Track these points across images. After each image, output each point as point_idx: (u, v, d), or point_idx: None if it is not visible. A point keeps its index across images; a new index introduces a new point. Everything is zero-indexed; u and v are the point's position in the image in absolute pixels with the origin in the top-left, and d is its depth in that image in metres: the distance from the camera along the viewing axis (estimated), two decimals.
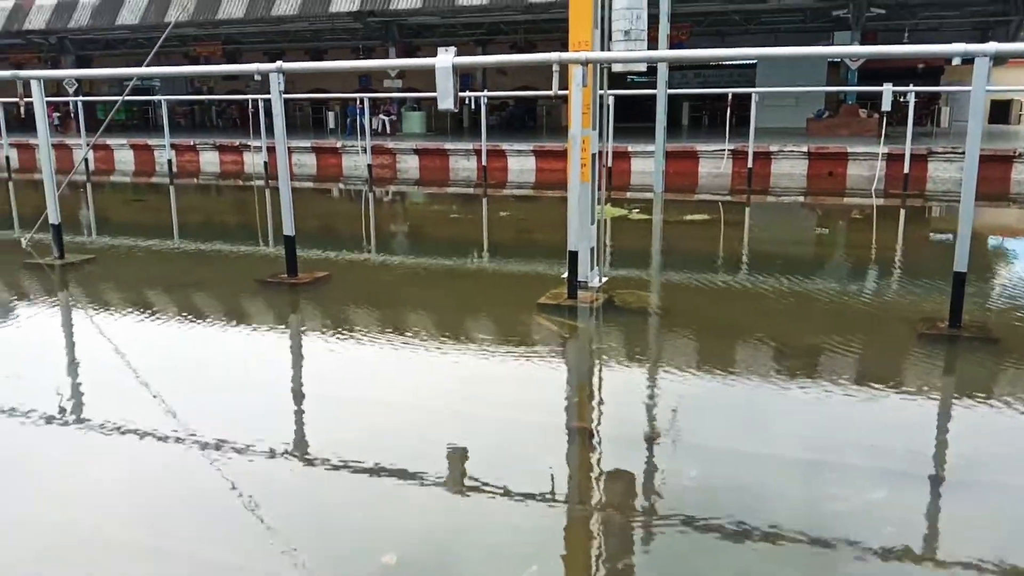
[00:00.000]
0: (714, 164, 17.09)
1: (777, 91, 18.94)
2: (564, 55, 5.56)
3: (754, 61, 26.10)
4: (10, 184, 17.90)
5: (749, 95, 15.78)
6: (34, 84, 7.42)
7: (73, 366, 4.96)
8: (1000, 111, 34.06)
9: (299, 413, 4.13)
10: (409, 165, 19.62)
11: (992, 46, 4.96)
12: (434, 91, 5.73)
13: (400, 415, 4.02)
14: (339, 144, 20.33)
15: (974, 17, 23.24)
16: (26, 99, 7.53)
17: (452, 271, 8.07)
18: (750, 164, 15.32)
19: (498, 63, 6.31)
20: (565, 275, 6.14)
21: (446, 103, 5.63)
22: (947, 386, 4.56)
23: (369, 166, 17.65)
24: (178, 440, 3.63)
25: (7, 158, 20.53)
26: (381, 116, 25.03)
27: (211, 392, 4.41)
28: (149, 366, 4.82)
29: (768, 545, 2.74)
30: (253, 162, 19.82)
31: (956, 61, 21.51)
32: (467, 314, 6.17)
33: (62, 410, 4.05)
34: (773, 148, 16.97)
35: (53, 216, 7.58)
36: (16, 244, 8.64)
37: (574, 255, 5.95)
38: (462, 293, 7.02)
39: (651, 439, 3.73)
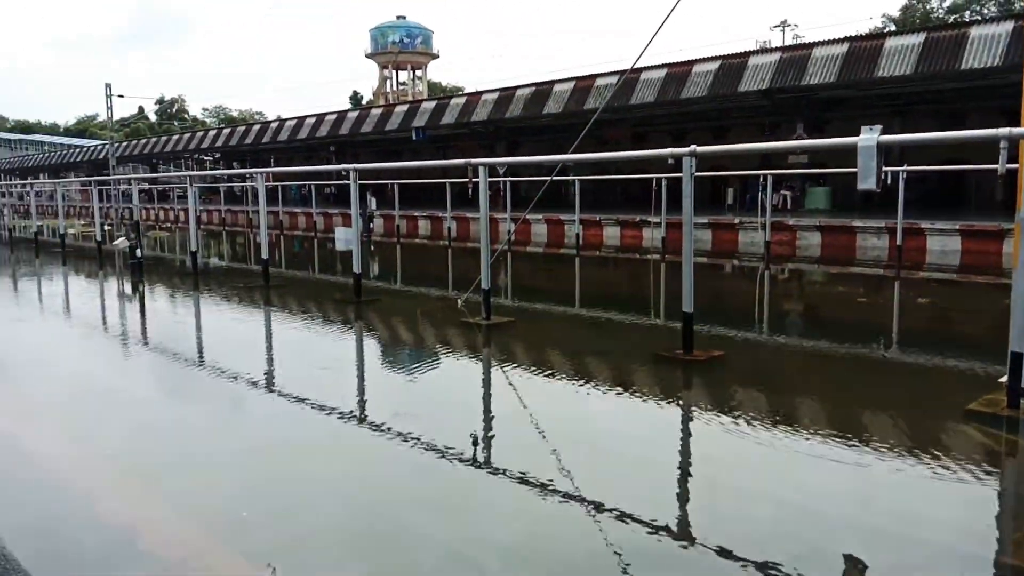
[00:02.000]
0: None
1: None
2: (1017, 130, 4.88)
3: None
4: (449, 250, 21.02)
5: None
6: (480, 169, 8.65)
7: (487, 417, 5.56)
8: None
9: (681, 490, 4.10)
10: (810, 242, 18.77)
11: None
12: (843, 166, 5.42)
13: (794, 517, 3.77)
14: (736, 220, 20.26)
15: None
16: (474, 180, 8.79)
17: (857, 361, 7.43)
18: None
19: (933, 140, 5.75)
20: (1003, 379, 5.28)
21: (868, 183, 5.28)
22: None
23: (767, 243, 17.27)
24: (578, 499, 3.82)
25: (449, 228, 24.21)
26: (782, 192, 24.43)
27: (589, 454, 4.59)
28: (550, 425, 5.19)
29: None
30: (652, 237, 20.64)
31: None
32: (875, 412, 5.61)
33: (473, 459, 4.54)
34: None
35: (485, 282, 8.67)
36: (453, 304, 10.03)
37: (1018, 357, 5.09)
38: (869, 388, 6.41)
39: None
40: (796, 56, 21.43)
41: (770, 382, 6.51)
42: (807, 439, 4.85)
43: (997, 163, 4.99)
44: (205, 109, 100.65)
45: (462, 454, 4.56)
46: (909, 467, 4.37)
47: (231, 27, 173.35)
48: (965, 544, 3.50)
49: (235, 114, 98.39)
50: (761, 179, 18.97)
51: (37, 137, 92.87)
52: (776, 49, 23.21)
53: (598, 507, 3.78)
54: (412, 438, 4.84)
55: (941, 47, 18.89)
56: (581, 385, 6.32)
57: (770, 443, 4.81)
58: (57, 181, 40.35)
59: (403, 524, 3.71)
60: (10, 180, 63.30)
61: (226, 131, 48.39)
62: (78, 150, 66.65)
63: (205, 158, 56.97)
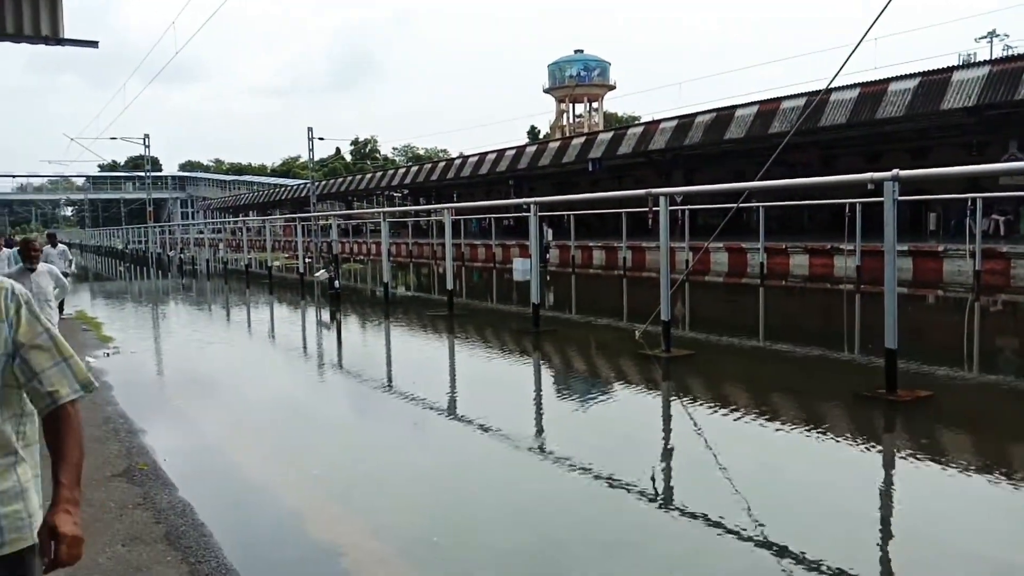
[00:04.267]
0: None
1: None
2: None
3: None
4: (623, 280, 20.86)
5: None
6: (662, 199, 8.53)
7: (666, 452, 5.39)
8: None
9: (883, 545, 3.75)
10: None
11: None
12: None
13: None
14: (941, 248, 18.65)
15: None
16: (654, 209, 8.69)
17: None
18: None
19: None
20: None
21: None
22: None
23: (976, 272, 15.74)
24: (766, 545, 3.61)
25: (624, 259, 24.06)
26: (994, 216, 22.23)
27: (788, 503, 4.30)
28: (734, 465, 4.95)
29: None
30: (845, 266, 19.42)
31: None
32: None
33: (654, 492, 4.40)
34: None
35: (665, 313, 8.49)
36: (630, 334, 9.91)
37: None
38: None
39: None
40: (1008, 69, 19.56)
41: (986, 425, 5.88)
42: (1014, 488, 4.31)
43: None
44: (395, 148, 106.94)
45: (643, 490, 4.44)
46: None
47: (418, 69, 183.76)
48: None
49: (422, 152, 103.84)
50: (969, 203, 17.38)
51: (248, 177, 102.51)
52: (985, 63, 21.30)
53: (791, 554, 3.54)
54: (593, 472, 4.79)
55: None
56: (773, 424, 5.99)
57: (987, 495, 4.32)
58: (264, 218, 44.26)
59: (574, 556, 3.66)
60: (224, 217, 70.28)
61: (413, 169, 51.17)
62: (283, 189, 72.81)
63: (395, 194, 60.45)
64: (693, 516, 4.08)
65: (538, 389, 7.81)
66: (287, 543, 3.96)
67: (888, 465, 5.06)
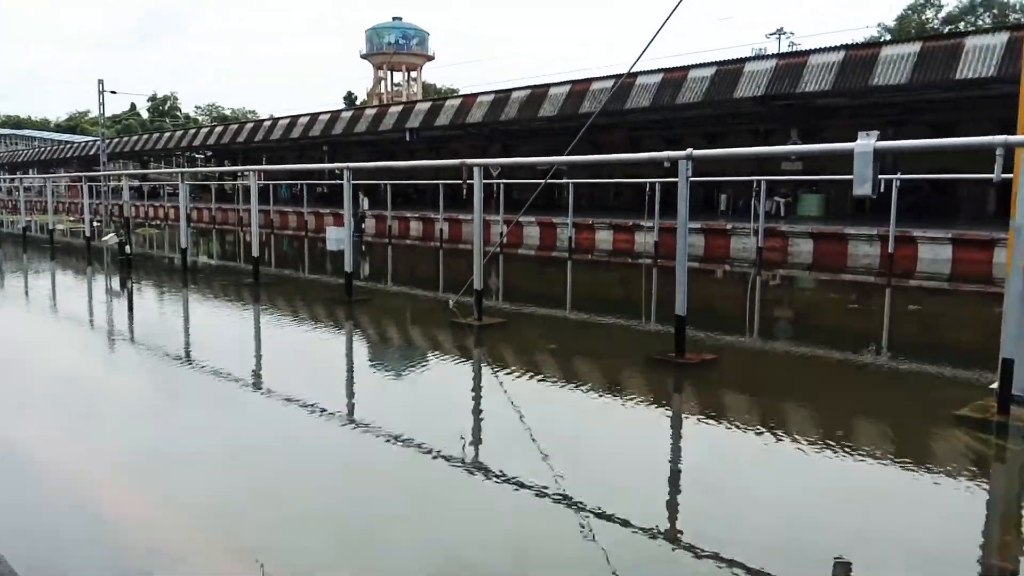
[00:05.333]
0: None
1: None
2: (1013, 138, 4.88)
3: None
4: (440, 251, 20.98)
5: None
6: (475, 170, 8.62)
7: (472, 415, 5.52)
8: None
9: (672, 493, 4.07)
10: (801, 249, 18.82)
11: None
12: (837, 173, 5.42)
13: (780, 515, 3.75)
14: (729, 226, 20.29)
15: None
16: (468, 181, 8.76)
17: (848, 366, 7.43)
18: None
19: (930, 147, 5.76)
20: (993, 385, 5.28)
21: (863, 189, 5.28)
22: None
23: (759, 249, 17.29)
24: (548, 498, 3.79)
25: (440, 230, 24.16)
26: (775, 198, 24.49)
27: (588, 459, 4.55)
28: (539, 427, 5.16)
29: None
30: (644, 241, 20.65)
31: None
32: (865, 418, 5.61)
33: (461, 452, 4.50)
34: None
35: (478, 283, 8.63)
36: (444, 304, 9.99)
37: (1008, 364, 5.10)
38: (860, 393, 6.40)
39: None
40: (792, 64, 21.50)
41: (761, 385, 6.49)
42: (796, 442, 4.83)
43: (988, 173, 5.00)
44: (198, 107, 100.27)
45: (453, 455, 4.52)
46: (899, 470, 4.36)
47: (226, 25, 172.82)
48: (948, 544, 3.48)
49: (228, 112, 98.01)
50: (754, 185, 18.99)
51: (27, 132, 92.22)
52: (772, 56, 23.28)
53: (591, 509, 3.75)
54: (400, 438, 4.80)
55: (936, 57, 18.97)
56: (573, 386, 6.29)
57: (762, 446, 4.79)
58: (46, 176, 40.11)
59: (386, 521, 3.67)
60: None
61: (218, 129, 48.21)
62: (68, 146, 66.24)
63: (197, 156, 56.76)
64: (500, 476, 4.19)
65: (349, 359, 7.69)
66: (74, 534, 3.66)
67: (675, 420, 5.48)
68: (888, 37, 49.87)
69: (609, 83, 25.24)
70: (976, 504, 4.06)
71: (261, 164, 44.61)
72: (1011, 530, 3.78)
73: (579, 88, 26.36)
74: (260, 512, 3.79)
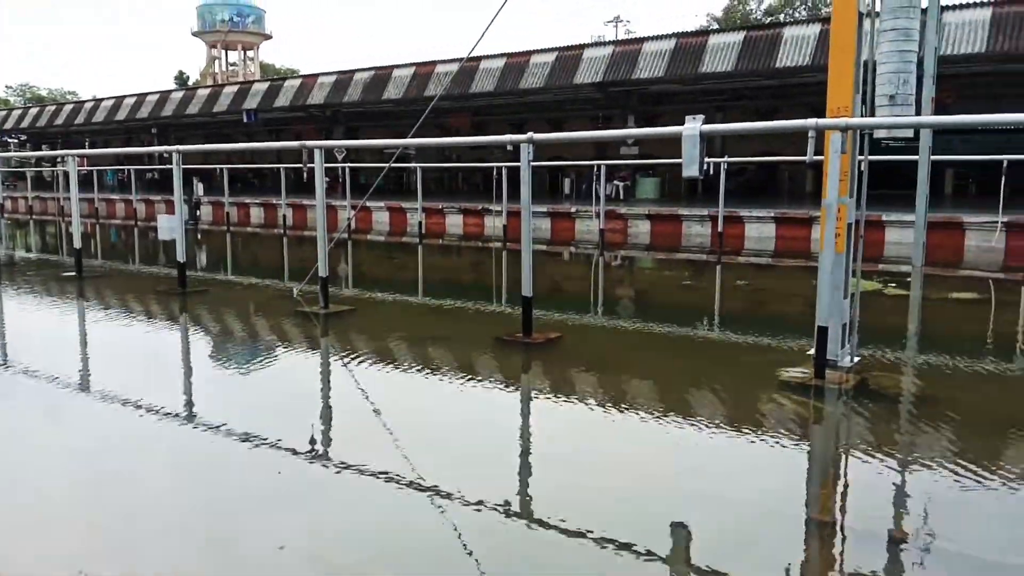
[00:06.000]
0: (983, 237, 15.38)
1: None
2: (822, 121, 5.28)
3: None
4: (284, 239, 20.28)
5: None
6: (316, 153, 8.35)
7: (323, 407, 5.38)
8: None
9: (521, 470, 4.15)
10: (640, 230, 19.64)
11: None
12: (671, 157, 5.69)
13: (625, 485, 3.90)
14: (573, 209, 20.86)
15: None
16: (309, 165, 8.48)
17: (683, 339, 7.85)
18: None
19: (749, 130, 6.13)
20: (811, 352, 5.73)
21: (691, 171, 5.54)
22: None
23: (601, 231, 17.89)
24: (403, 483, 3.77)
25: (284, 216, 23.34)
26: (615, 182, 25.42)
27: (440, 441, 4.56)
28: (390, 412, 5.10)
29: None
30: (493, 225, 20.85)
31: None
32: (698, 385, 5.94)
33: (310, 447, 4.38)
34: None
35: (323, 270, 8.39)
36: (288, 293, 9.66)
37: (823, 331, 5.55)
38: (694, 363, 6.78)
39: (897, 540, 3.31)
40: (628, 51, 22.31)
41: (603, 360, 6.72)
42: (637, 412, 5.04)
43: (806, 155, 5.40)
44: (9, 87, 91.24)
45: (300, 448, 4.37)
46: (729, 434, 4.64)
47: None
48: (775, 502, 3.74)
49: (44, 93, 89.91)
50: (595, 169, 19.59)
51: None
52: (609, 43, 24.07)
53: (445, 492, 3.74)
54: (243, 435, 4.60)
55: (759, 46, 20.27)
56: (421, 370, 6.26)
57: (604, 417, 4.96)
58: None
59: (240, 521, 3.51)
60: None
61: (34, 111, 44.21)
62: None
63: (9, 140, 51.77)
64: (350, 467, 4.10)
65: (183, 354, 7.28)
66: None
67: (524, 397, 5.57)
68: (716, 26, 52.71)
69: (454, 66, 25.21)
70: (798, 461, 4.39)
71: (83, 148, 41.31)
72: (827, 484, 4.11)
73: (423, 71, 26.19)
74: (96, 520, 3.51)
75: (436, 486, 3.78)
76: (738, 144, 28.13)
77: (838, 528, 3.51)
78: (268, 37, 75.06)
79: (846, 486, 4.05)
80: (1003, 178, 15.15)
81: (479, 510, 3.55)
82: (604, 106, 26.92)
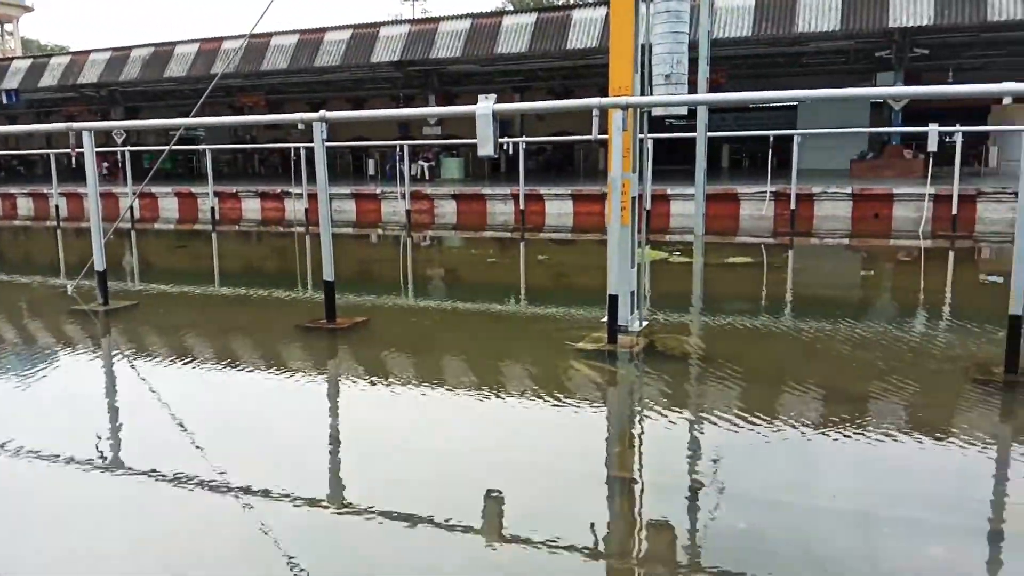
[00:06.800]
0: (755, 206, 16.91)
1: (820, 133, 18.80)
2: (605, 100, 5.54)
3: (796, 103, 26.00)
4: (58, 232, 18.45)
5: (791, 137, 15.67)
6: (85, 135, 7.62)
7: (111, 412, 4.97)
8: None
9: (335, 461, 4.07)
10: (446, 210, 19.76)
11: None
12: (473, 137, 5.74)
13: (437, 464, 3.93)
14: (378, 190, 20.59)
15: (1021, 56, 22.91)
16: (77, 149, 7.72)
17: (490, 316, 8.01)
18: (793, 206, 15.14)
19: (539, 109, 6.32)
20: (605, 319, 6.04)
21: (486, 149, 5.62)
22: (1003, 434, 4.33)
23: (408, 212, 17.81)
24: (214, 488, 3.57)
25: (56, 207, 21.21)
26: (420, 162, 25.36)
27: (246, 440, 4.36)
28: (187, 413, 4.80)
29: None
30: (294, 209, 20.14)
31: (1008, 100, 21.12)
32: (505, 359, 6.09)
33: (101, 457, 4.03)
34: (816, 190, 16.75)
35: (99, 263, 7.71)
36: (63, 291, 8.80)
37: (614, 299, 5.86)
38: (500, 338, 6.95)
39: (692, 488, 3.59)
40: (424, 30, 22.23)
41: (410, 341, 6.71)
42: (444, 389, 5.08)
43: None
44: None
45: (88, 459, 4.00)
46: (532, 401, 4.79)
47: None
48: (579, 464, 3.92)
49: None
50: (398, 149, 19.43)
51: None
52: (406, 21, 23.86)
53: (256, 490, 3.57)
54: (30, 451, 4.14)
55: (550, 28, 20.92)
56: (216, 364, 5.93)
57: (415, 397, 4.96)
58: None
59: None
60: None
61: None
62: None
63: None
64: (142, 473, 3.81)
65: None
66: None
67: (329, 384, 5.43)
68: (510, 7, 53.78)
69: (242, 43, 23.96)
70: (596, 423, 4.62)
71: None
72: (623, 442, 4.36)
73: (209, 47, 24.67)
74: None
75: (248, 486, 3.61)
76: (537, 124, 29.01)
77: (638, 483, 3.73)
78: (29, 9, 67.35)
79: (641, 443, 4.31)
80: (770, 152, 16.71)
81: (297, 505, 3.42)
82: (404, 85, 26.72)
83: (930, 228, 14.64)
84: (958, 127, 14.29)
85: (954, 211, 14.02)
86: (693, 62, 10.15)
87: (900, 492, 3.52)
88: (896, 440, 4.08)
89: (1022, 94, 4.95)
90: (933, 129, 13.46)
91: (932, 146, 13.62)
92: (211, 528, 3.26)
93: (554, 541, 3.03)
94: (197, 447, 4.20)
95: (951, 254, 12.47)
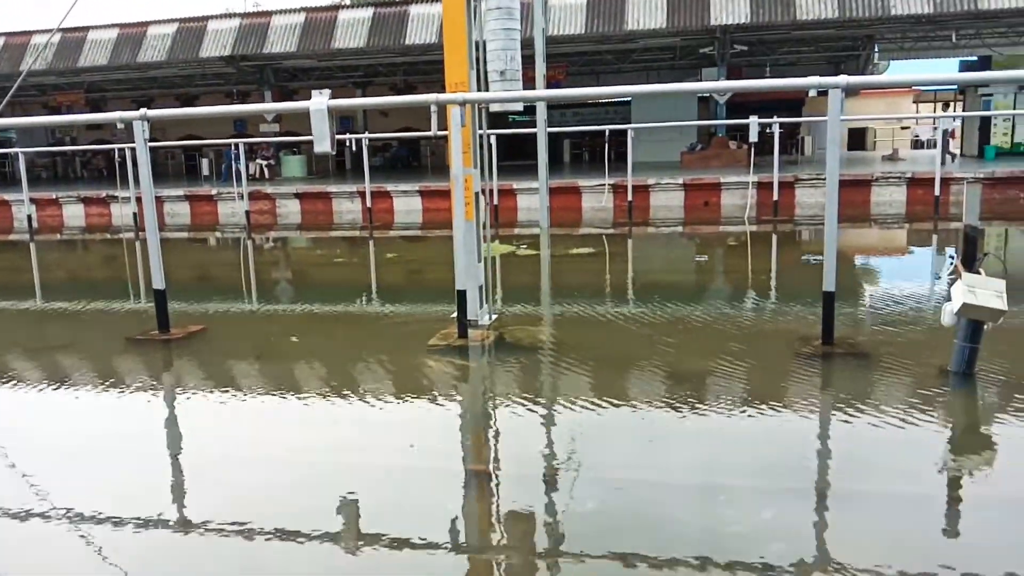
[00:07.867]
0: (596, 199, 17.51)
1: (651, 126, 19.69)
2: (442, 96, 5.54)
3: (628, 98, 27.12)
4: None
5: (625, 131, 16.32)
6: None
7: None
8: (858, 138, 36.62)
9: (176, 476, 3.84)
10: (290, 210, 19.16)
11: (843, 79, 5.27)
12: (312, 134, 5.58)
13: (286, 472, 3.80)
14: (214, 191, 19.64)
15: (827, 52, 24.98)
16: None
17: (338, 317, 7.83)
18: (630, 197, 15.78)
19: (375, 105, 6.22)
20: (455, 315, 6.05)
21: (322, 146, 5.48)
22: (825, 400, 4.71)
23: (247, 212, 17.11)
24: (45, 516, 3.28)
25: None
26: (259, 161, 24.42)
27: (77, 460, 4.04)
28: (11, 437, 4.39)
29: (667, 572, 2.71)
30: (122, 214, 18.86)
31: (813, 93, 22.99)
32: (355, 362, 5.96)
33: None
34: (651, 181, 17.56)
35: None
36: None
37: (463, 294, 5.88)
38: (350, 340, 6.81)
39: (548, 475, 3.67)
40: (256, 23, 21.41)
41: (248, 348, 6.45)
42: (287, 396, 4.92)
43: (444, 130, 5.62)
44: None
45: None
46: (382, 404, 4.73)
47: None
48: (433, 460, 3.91)
49: None
50: (234, 148, 18.62)
51: None
52: (236, 15, 22.84)
53: (84, 516, 3.29)
54: None
55: (388, 23, 20.69)
56: (34, 385, 5.44)
57: (253, 406, 4.76)
58: None
59: None
60: None
61: None
62: None
63: None
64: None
65: None
66: None
67: (164, 398, 5.12)
68: (347, 2, 52.79)
69: (54, 36, 22.13)
70: (449, 418, 4.62)
71: None
72: (476, 434, 4.39)
73: (16, 41, 22.60)
74: None
75: (71, 508, 3.33)
76: (381, 121, 28.64)
77: (491, 474, 3.76)
78: None
79: (496, 432, 4.35)
80: (607, 146, 17.34)
81: (139, 529, 3.19)
82: (238, 81, 25.61)
83: (755, 214, 15.71)
84: (775, 118, 15.40)
85: (775, 197, 15.10)
86: (529, 59, 10.37)
87: (736, 462, 3.75)
88: (732, 414, 4.35)
89: (824, 87, 5.38)
90: (754, 121, 14.42)
91: (753, 136, 14.58)
92: (38, 558, 2.99)
93: (408, 539, 3.00)
94: (22, 474, 3.84)
95: (774, 238, 13.43)
